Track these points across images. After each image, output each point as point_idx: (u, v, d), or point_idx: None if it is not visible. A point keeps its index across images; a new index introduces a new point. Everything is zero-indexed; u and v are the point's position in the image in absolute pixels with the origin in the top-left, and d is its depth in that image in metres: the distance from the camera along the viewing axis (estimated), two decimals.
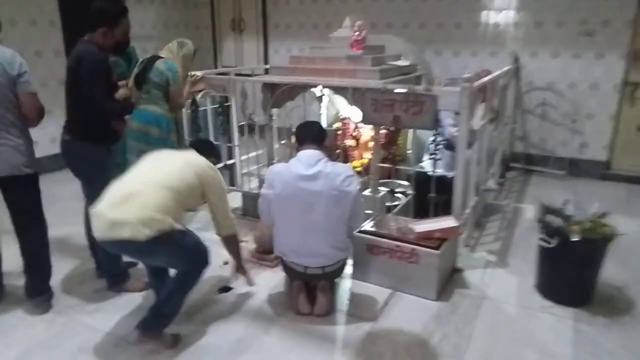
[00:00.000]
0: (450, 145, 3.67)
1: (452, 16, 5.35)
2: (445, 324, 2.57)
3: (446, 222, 2.90)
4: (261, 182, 3.85)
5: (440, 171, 3.17)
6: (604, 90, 4.85)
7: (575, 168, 5.10)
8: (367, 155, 4.40)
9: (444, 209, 3.39)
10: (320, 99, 4.51)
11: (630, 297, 2.82)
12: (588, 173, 5.06)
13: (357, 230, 2.84)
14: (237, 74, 4.50)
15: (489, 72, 4.47)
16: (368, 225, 2.98)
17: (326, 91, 3.60)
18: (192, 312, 2.63)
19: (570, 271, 2.67)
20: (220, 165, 4.23)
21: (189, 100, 3.92)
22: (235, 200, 4.20)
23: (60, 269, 3.16)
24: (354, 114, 3.35)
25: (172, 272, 2.46)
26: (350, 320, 2.59)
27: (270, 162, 3.86)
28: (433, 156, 3.03)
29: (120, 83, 3.03)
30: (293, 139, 3.75)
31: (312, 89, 3.82)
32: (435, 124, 2.94)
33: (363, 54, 3.50)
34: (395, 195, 3.83)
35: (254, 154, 4.05)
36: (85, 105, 2.49)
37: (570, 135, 5.09)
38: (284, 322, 2.57)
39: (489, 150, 3.95)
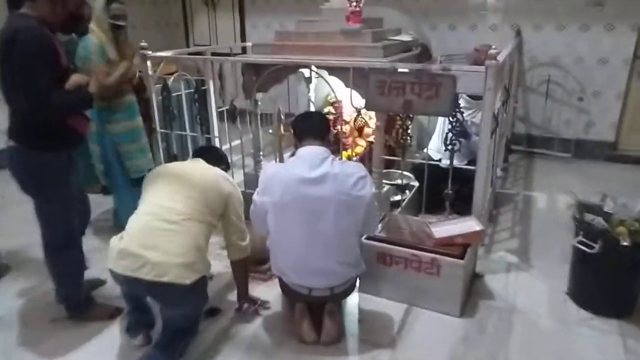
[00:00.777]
0: (464, 133, 3.26)
1: None
2: (475, 346, 2.19)
3: (467, 225, 2.51)
4: (249, 179, 3.37)
5: (455, 163, 2.75)
6: (613, 65, 4.49)
7: (580, 149, 4.76)
8: (363, 143, 3.97)
9: (457, 204, 3.01)
10: (309, 79, 4.03)
11: None
12: (593, 154, 4.75)
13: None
14: (212, 54, 3.98)
15: (489, 48, 4.07)
16: (376, 230, 2.56)
17: (320, 72, 3.11)
18: None
19: (615, 279, 2.32)
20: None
21: (159, 85, 3.38)
22: None
23: (12, 289, 2.66)
24: (351, 97, 2.90)
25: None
26: (364, 347, 2.18)
27: (256, 154, 3.38)
28: (451, 146, 2.60)
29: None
30: (283, 129, 3.30)
31: (302, 70, 3.34)
32: (453, 109, 2.51)
33: (362, 27, 3.02)
34: (399, 188, 3.41)
35: (236, 142, 3.55)
36: (23, 99, 1.90)
37: (575, 115, 4.74)
38: (285, 353, 2.14)
39: (499, 134, 3.56)
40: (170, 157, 3.55)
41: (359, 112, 3.03)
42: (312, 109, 4.18)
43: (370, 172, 2.51)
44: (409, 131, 2.70)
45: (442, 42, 4.89)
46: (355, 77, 2.75)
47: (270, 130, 3.33)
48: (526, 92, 4.86)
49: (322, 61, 2.82)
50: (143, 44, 3.28)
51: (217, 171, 2.23)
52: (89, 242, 2.85)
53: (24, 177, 2.12)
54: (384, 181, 3.13)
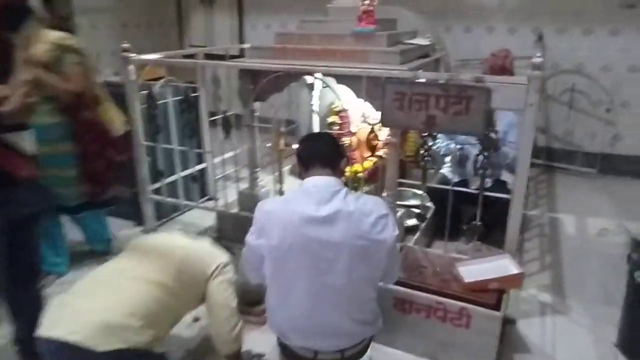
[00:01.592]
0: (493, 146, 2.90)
1: None
2: None
3: (502, 265, 2.12)
4: (244, 198, 2.97)
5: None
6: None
7: (606, 164, 4.37)
8: (371, 158, 3.58)
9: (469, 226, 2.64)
10: (311, 86, 3.64)
11: None
12: (620, 170, 4.35)
13: None
14: (206, 56, 3.60)
15: (507, 52, 3.69)
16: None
17: (326, 80, 2.71)
18: None
19: None
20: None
21: (145, 92, 2.98)
22: (208, 217, 3.33)
23: None
24: (363, 106, 2.52)
25: None
26: None
27: (253, 170, 2.99)
28: (481, 171, 2.21)
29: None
30: (283, 142, 2.91)
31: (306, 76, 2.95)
32: (485, 127, 2.11)
33: (376, 29, 2.63)
34: (412, 210, 3.03)
35: (230, 154, 3.15)
36: None
37: (601, 127, 4.34)
38: None
39: None
40: (157, 173, 3.15)
41: (372, 128, 2.64)
42: (315, 118, 3.80)
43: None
44: (429, 152, 2.30)
45: (456, 46, 4.51)
46: (369, 87, 2.36)
47: (269, 144, 2.94)
48: (547, 101, 4.47)
49: (330, 68, 2.43)
50: (125, 45, 2.88)
51: (215, 256, 1.94)
52: None
53: None
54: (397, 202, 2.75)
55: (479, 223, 2.33)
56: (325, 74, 2.52)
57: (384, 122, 2.30)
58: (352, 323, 1.63)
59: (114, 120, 2.64)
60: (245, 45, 3.74)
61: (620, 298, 2.33)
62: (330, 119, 3.68)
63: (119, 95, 3.04)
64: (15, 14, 1.79)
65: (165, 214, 3.38)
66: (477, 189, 2.37)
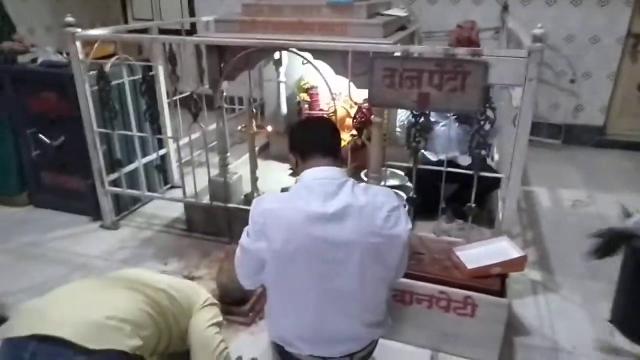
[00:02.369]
0: (463, 118, 2.80)
1: None
2: None
3: (501, 248, 2.03)
4: (215, 187, 2.73)
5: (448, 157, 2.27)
6: (606, 44, 4.15)
7: (569, 135, 4.43)
8: (345, 137, 3.41)
9: (457, 207, 2.57)
10: (278, 62, 3.40)
11: None
12: (581, 140, 4.44)
13: None
14: (160, 31, 3.27)
15: (473, 24, 3.61)
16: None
17: (295, 54, 2.49)
18: None
19: None
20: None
21: (93, 72, 2.65)
22: (173, 207, 3.07)
23: None
24: (339, 85, 2.33)
25: None
26: None
27: (223, 156, 2.74)
28: (478, 150, 2.10)
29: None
30: (255, 125, 2.68)
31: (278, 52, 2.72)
32: (483, 104, 1.99)
33: (354, 0, 2.43)
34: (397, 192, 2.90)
35: (196, 135, 2.89)
36: None
37: (565, 98, 4.39)
38: None
39: None
40: (114, 162, 2.85)
41: (359, 107, 2.46)
42: (283, 96, 3.58)
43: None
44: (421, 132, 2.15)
45: (421, 18, 4.35)
46: (352, 63, 2.17)
47: (240, 127, 2.70)
48: None
49: (312, 43, 2.21)
50: (69, 18, 2.53)
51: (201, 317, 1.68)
52: None
53: None
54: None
55: (473, 205, 2.23)
56: (303, 49, 2.30)
57: (372, 101, 2.13)
58: (363, 327, 1.49)
59: None
60: (199, 19, 3.41)
61: (605, 273, 2.35)
62: (300, 97, 3.47)
63: (62, 77, 2.71)
64: None
65: (125, 206, 3.09)
66: (467, 168, 2.27)
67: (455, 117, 2.88)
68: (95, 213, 2.97)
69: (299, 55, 2.28)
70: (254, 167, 2.71)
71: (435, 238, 2.24)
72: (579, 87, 4.31)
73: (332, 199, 1.38)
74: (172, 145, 3.34)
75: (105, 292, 1.50)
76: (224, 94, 2.61)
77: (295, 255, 1.37)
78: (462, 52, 1.95)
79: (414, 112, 2.13)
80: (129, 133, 2.79)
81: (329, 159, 1.48)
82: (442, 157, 2.81)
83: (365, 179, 2.63)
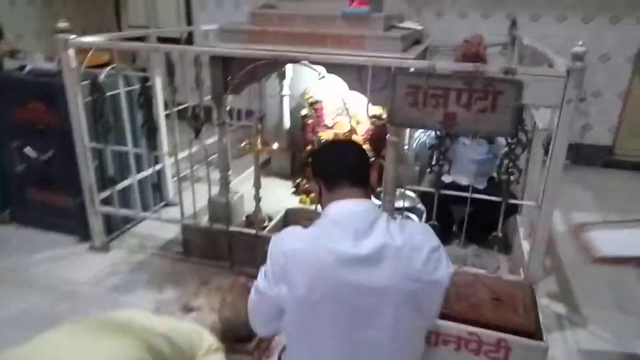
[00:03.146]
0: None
1: None
2: None
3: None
4: (215, 207, 2.54)
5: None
6: (616, 63, 4.05)
7: (577, 154, 4.30)
8: None
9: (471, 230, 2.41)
10: (282, 75, 3.23)
11: None
12: (589, 160, 4.31)
13: None
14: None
15: (481, 39, 3.48)
16: None
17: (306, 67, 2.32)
18: None
19: None
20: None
21: (86, 82, 2.45)
22: (168, 227, 2.86)
23: None
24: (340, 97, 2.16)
25: None
26: None
27: (224, 174, 2.55)
28: (507, 175, 1.94)
29: None
30: (260, 141, 2.49)
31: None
32: (516, 127, 1.84)
33: (370, 10, 2.28)
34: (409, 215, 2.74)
35: (193, 149, 2.68)
36: None
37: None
38: None
39: None
40: (107, 179, 2.64)
41: (374, 121, 2.28)
42: (286, 109, 3.41)
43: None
44: (445, 154, 1.99)
45: (427, 31, 4.24)
46: (375, 80, 2.01)
47: (245, 144, 2.52)
48: None
49: (328, 56, 2.04)
50: (62, 24, 2.34)
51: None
52: None
53: None
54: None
55: (500, 234, 2.07)
56: (316, 63, 2.13)
57: (392, 121, 1.96)
58: None
59: None
60: (209, 27, 3.23)
61: (633, 304, 2.20)
62: (304, 111, 3.30)
63: (52, 87, 2.51)
64: None
65: (116, 226, 2.87)
66: (483, 192, 2.11)
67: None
68: (83, 233, 2.75)
69: (313, 69, 2.10)
70: (257, 186, 2.52)
71: (459, 269, 2.07)
72: (589, 105, 4.20)
73: (364, 237, 1.20)
74: (167, 160, 3.15)
75: (98, 341, 1.30)
76: (227, 108, 2.43)
77: (321, 303, 1.18)
78: (494, 69, 1.79)
79: (438, 134, 1.96)
80: (125, 149, 2.58)
81: (358, 188, 1.30)
82: (456, 179, 2.66)
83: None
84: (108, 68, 2.51)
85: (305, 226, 1.28)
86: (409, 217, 2.74)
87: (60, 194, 2.77)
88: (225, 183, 2.57)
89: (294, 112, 3.42)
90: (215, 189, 2.59)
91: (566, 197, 3.63)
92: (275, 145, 2.68)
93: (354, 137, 3.26)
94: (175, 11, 4.96)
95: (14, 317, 2.13)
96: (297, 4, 2.50)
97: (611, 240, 1.65)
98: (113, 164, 2.61)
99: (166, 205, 3.22)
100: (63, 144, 2.59)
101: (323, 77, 2.08)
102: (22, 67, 2.77)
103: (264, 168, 3.46)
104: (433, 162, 1.99)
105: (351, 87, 2.21)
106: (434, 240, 1.26)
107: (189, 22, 4.94)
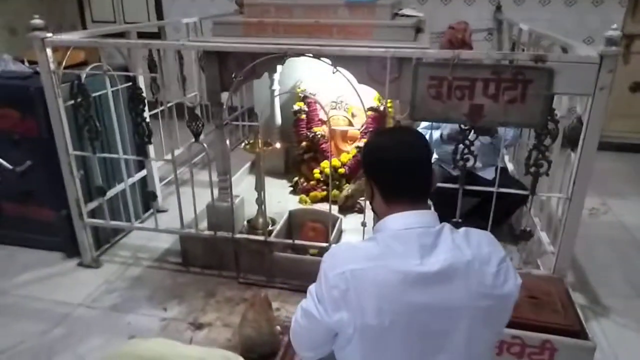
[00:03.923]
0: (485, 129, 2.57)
1: None
2: None
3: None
4: (213, 213, 2.36)
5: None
6: (600, 45, 4.05)
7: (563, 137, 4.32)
8: (349, 149, 3.12)
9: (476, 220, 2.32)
10: (274, 68, 3.05)
11: None
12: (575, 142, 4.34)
13: None
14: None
15: (467, 25, 3.41)
16: None
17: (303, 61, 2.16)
18: None
19: None
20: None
21: (67, 83, 2.22)
22: (162, 237, 2.66)
23: None
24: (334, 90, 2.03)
25: None
26: None
27: (223, 178, 2.38)
28: (536, 168, 1.86)
29: None
30: (261, 142, 2.33)
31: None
32: (545, 117, 1.75)
33: None
34: None
35: (178, 151, 2.50)
36: None
37: (558, 99, 4.27)
38: None
39: None
40: (95, 190, 2.42)
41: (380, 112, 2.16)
42: (277, 105, 3.24)
43: None
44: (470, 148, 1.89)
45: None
46: (372, 71, 1.88)
47: (244, 144, 2.35)
48: None
49: (344, 49, 1.89)
50: (37, 21, 2.10)
51: None
52: None
53: None
54: None
55: (528, 229, 1.99)
56: (326, 55, 1.98)
57: (415, 115, 1.84)
58: None
59: None
60: (189, 20, 3.02)
61: None
62: (296, 106, 3.14)
63: (27, 90, 2.26)
64: None
65: (105, 238, 2.65)
66: (490, 183, 2.04)
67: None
68: (70, 249, 2.53)
69: (324, 62, 1.95)
70: (261, 190, 2.37)
71: None
72: None
73: (430, 253, 1.07)
74: (155, 165, 2.94)
75: None
76: (224, 107, 2.26)
77: (389, 330, 1.05)
78: (523, 57, 1.69)
79: (463, 127, 1.86)
80: (115, 156, 2.37)
81: (424, 199, 1.17)
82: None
83: None
84: (88, 68, 2.29)
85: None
86: None
87: (41, 207, 2.53)
88: (224, 187, 2.40)
89: (284, 107, 3.25)
90: (206, 191, 2.39)
91: (557, 181, 3.64)
92: (278, 145, 2.53)
93: (352, 130, 3.16)
94: (144, 5, 4.67)
95: (6, 351, 1.91)
96: None
97: None
98: (100, 173, 2.40)
99: (157, 212, 3.01)
100: (42, 153, 2.36)
101: (337, 70, 1.94)
102: None
103: (254, 167, 3.29)
104: (457, 157, 1.89)
105: (360, 81, 2.07)
106: (500, 250, 1.15)
107: (160, 16, 4.66)
